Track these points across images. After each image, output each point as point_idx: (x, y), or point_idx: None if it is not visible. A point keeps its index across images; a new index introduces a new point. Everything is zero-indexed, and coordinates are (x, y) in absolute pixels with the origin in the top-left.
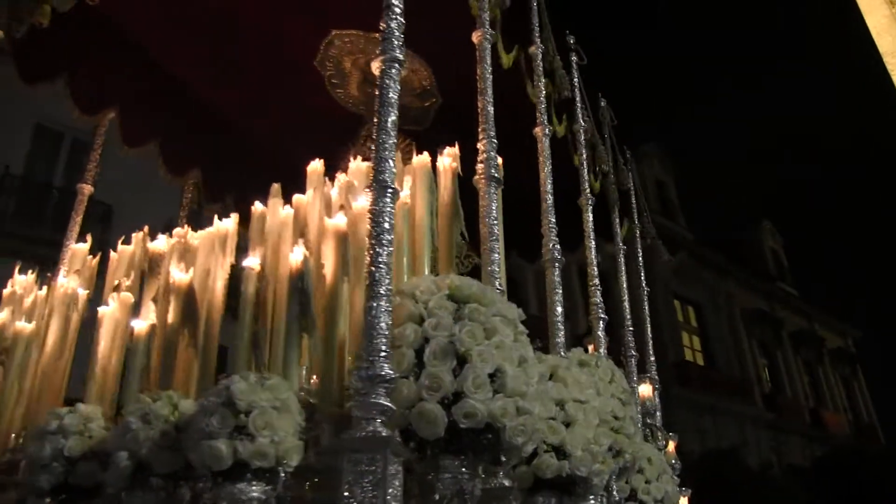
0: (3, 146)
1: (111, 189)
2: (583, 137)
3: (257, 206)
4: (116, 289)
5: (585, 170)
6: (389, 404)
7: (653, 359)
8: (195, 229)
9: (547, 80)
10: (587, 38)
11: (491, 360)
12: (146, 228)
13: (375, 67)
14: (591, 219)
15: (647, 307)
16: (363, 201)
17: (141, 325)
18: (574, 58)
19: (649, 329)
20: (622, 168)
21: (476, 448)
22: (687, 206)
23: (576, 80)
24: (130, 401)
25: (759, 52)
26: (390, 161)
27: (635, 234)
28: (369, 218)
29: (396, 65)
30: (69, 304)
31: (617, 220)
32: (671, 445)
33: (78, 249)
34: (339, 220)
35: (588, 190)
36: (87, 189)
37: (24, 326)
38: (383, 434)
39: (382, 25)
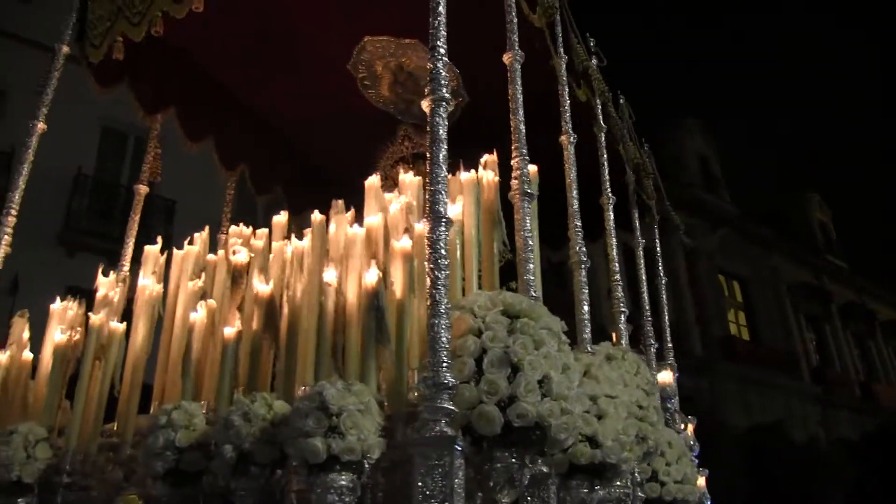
0: (75, 148)
1: (175, 185)
2: (604, 139)
3: (317, 216)
4: (203, 297)
5: (606, 170)
6: (453, 408)
7: (670, 345)
8: (247, 224)
9: (584, 87)
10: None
11: (540, 368)
12: (207, 228)
13: (425, 106)
14: (612, 217)
15: (664, 297)
16: (422, 224)
17: (230, 331)
18: (595, 60)
19: (667, 318)
20: (642, 162)
21: (525, 442)
22: (731, 180)
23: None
24: (224, 399)
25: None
26: (443, 193)
27: (655, 226)
28: (427, 245)
29: (444, 103)
30: (154, 304)
31: (636, 216)
32: (690, 428)
33: (151, 251)
34: (405, 243)
35: (609, 190)
36: (143, 189)
37: (118, 326)
38: (449, 433)
39: (429, 66)
